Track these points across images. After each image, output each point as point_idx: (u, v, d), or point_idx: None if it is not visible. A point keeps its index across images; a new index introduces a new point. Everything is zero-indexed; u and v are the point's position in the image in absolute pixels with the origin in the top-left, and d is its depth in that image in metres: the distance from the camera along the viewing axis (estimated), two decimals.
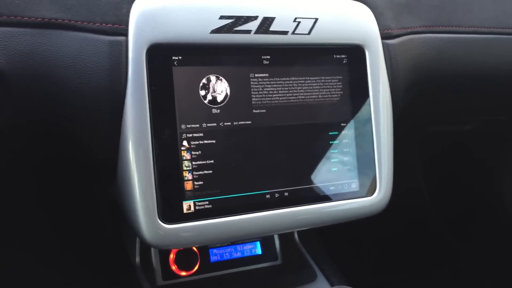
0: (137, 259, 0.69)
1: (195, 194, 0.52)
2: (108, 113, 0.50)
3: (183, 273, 0.71)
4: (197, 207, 0.52)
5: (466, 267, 1.02)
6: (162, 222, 0.50)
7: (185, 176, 0.52)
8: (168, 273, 0.70)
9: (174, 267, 0.71)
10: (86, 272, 0.72)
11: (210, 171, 0.53)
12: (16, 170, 0.61)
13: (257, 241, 0.77)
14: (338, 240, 0.87)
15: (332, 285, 0.70)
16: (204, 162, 0.53)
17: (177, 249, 0.71)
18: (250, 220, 0.54)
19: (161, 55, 0.51)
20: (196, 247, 0.72)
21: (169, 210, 0.51)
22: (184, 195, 0.52)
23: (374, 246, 0.92)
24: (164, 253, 0.71)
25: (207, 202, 0.53)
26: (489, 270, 0.99)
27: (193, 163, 0.52)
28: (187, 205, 0.52)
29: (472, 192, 0.97)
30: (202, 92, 0.53)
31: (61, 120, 0.51)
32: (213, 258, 0.74)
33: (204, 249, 0.73)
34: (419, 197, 1.03)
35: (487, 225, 0.98)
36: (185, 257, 0.71)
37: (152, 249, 0.70)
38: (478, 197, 0.97)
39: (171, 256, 0.71)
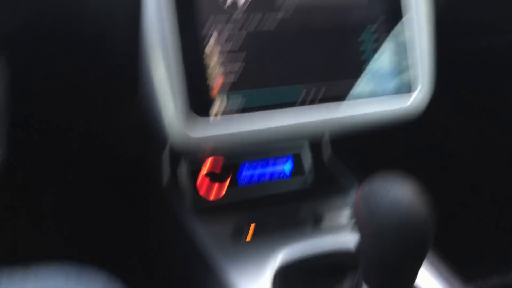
0: (165, 183, 0.67)
1: (227, 88, 0.49)
2: (125, 7, 0.46)
3: (211, 197, 0.68)
4: (230, 101, 0.49)
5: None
6: (196, 115, 0.47)
7: (216, 68, 0.48)
8: (196, 197, 0.67)
9: (202, 191, 0.68)
10: (111, 196, 0.70)
11: (242, 63, 0.50)
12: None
13: (289, 158, 0.73)
14: (374, 158, 0.83)
15: None
16: (236, 54, 0.49)
17: (205, 173, 0.68)
18: (286, 116, 0.51)
19: None
20: (223, 171, 0.69)
21: (202, 104, 0.48)
22: (216, 88, 0.48)
23: (413, 165, 0.88)
24: (191, 177, 0.67)
25: (241, 96, 0.49)
26: None
27: (225, 55, 0.49)
28: (220, 99, 0.49)
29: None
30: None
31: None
32: (241, 181, 0.70)
33: (233, 171, 0.69)
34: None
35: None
36: (213, 179, 0.68)
37: (180, 171, 0.67)
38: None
39: (198, 180, 0.68)
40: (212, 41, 0.48)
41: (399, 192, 0.40)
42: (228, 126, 0.48)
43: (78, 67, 0.55)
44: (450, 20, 0.67)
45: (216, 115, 0.48)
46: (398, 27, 0.56)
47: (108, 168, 0.68)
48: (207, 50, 0.48)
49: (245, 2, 0.49)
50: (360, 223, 0.41)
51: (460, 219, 0.87)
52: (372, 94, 0.55)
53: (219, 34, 0.48)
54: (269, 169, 0.71)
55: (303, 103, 0.52)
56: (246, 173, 0.71)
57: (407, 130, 0.65)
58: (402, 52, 0.57)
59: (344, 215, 0.61)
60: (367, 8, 0.55)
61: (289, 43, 0.52)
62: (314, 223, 0.59)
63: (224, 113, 0.48)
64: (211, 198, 0.68)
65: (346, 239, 0.57)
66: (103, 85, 0.57)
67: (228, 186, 0.69)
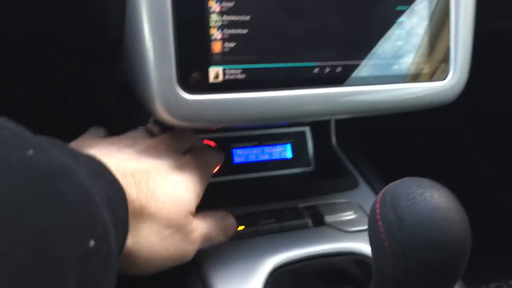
0: None
1: (225, 59, 0.40)
2: None
3: None
4: (227, 76, 0.40)
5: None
6: (182, 90, 0.39)
7: (213, 34, 0.40)
8: None
9: None
10: None
11: (246, 30, 0.41)
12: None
13: (288, 143, 0.66)
14: (379, 145, 0.75)
15: (376, 193, 0.59)
16: (238, 17, 0.40)
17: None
18: (292, 97, 0.43)
19: None
20: (217, 146, 0.61)
21: (191, 77, 0.39)
22: (211, 59, 0.40)
23: (422, 156, 0.81)
24: None
25: (240, 71, 0.41)
26: None
27: (224, 17, 0.40)
28: (215, 72, 0.40)
29: None
30: None
31: None
32: (236, 160, 0.63)
33: (226, 149, 0.62)
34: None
35: None
36: None
37: None
38: None
39: None
40: None
41: (436, 198, 0.33)
42: (221, 107, 0.40)
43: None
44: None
45: (207, 92, 0.40)
46: (438, 2, 0.47)
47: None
48: (204, 8, 0.39)
49: None
50: (383, 231, 0.34)
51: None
52: (398, 79, 0.46)
53: None
54: (266, 154, 0.64)
55: (316, 84, 0.43)
56: (241, 152, 0.63)
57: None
58: (440, 29, 0.48)
59: (347, 214, 0.53)
60: None
61: (304, 6, 0.42)
62: (312, 221, 0.52)
63: (218, 90, 0.40)
64: None
65: (347, 241, 0.50)
66: (80, 41, 0.48)
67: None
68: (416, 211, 0.33)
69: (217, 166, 0.49)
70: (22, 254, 0.20)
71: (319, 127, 0.66)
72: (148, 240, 0.35)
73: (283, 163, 0.65)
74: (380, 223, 0.34)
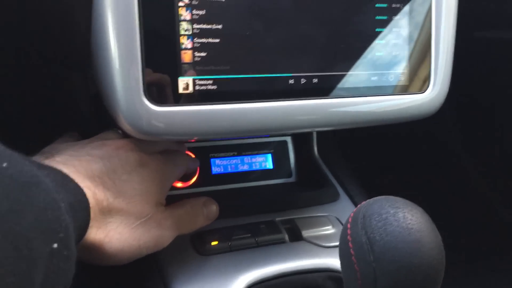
0: None
1: (195, 69, 0.39)
2: None
3: (179, 185, 0.59)
4: (197, 87, 0.39)
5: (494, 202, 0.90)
6: (149, 102, 0.37)
7: (183, 44, 0.38)
8: None
9: None
10: None
11: (217, 40, 0.39)
12: None
13: (269, 153, 0.64)
14: (362, 155, 0.74)
15: (356, 205, 0.58)
16: (209, 26, 0.39)
17: None
18: (265, 110, 0.41)
19: None
20: (195, 155, 0.60)
21: (159, 88, 0.38)
22: (181, 69, 0.38)
23: (403, 163, 0.79)
24: None
25: (211, 82, 0.39)
26: None
27: (195, 26, 0.38)
28: (184, 83, 0.38)
29: None
30: None
31: None
32: (215, 170, 0.61)
33: (205, 158, 0.60)
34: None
35: None
36: None
37: None
38: None
39: None
40: (181, 5, 0.38)
41: (409, 219, 0.32)
42: (191, 119, 0.38)
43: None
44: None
45: (176, 103, 0.38)
46: (416, 10, 0.46)
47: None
48: (174, 16, 0.37)
49: None
50: (353, 253, 0.32)
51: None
52: (377, 90, 0.45)
53: None
54: (246, 164, 0.63)
55: (291, 95, 0.42)
56: (220, 162, 0.62)
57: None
58: (421, 40, 0.46)
59: (325, 228, 0.52)
60: None
61: (279, 15, 0.41)
62: (289, 236, 0.51)
63: (188, 102, 0.38)
64: (178, 185, 0.59)
65: (325, 257, 0.48)
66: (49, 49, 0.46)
67: (199, 172, 0.60)
68: (388, 232, 0.31)
69: (185, 169, 0.49)
70: (3, 251, 0.24)
71: (301, 137, 0.65)
72: (117, 232, 0.38)
73: (264, 173, 0.64)
74: (350, 244, 0.32)
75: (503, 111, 0.76)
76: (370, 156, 0.76)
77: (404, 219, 0.32)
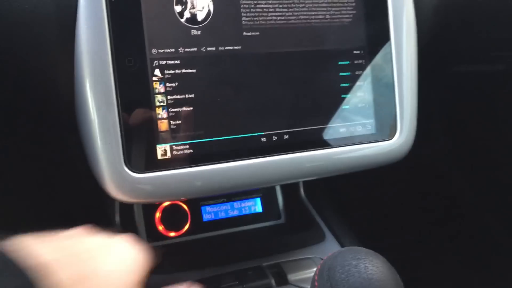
0: (117, 218, 0.60)
1: (171, 136, 0.42)
2: (56, 33, 0.39)
3: (172, 234, 0.62)
4: (174, 152, 0.42)
5: (491, 225, 0.91)
6: (130, 170, 0.41)
7: (159, 114, 0.42)
8: (154, 234, 0.61)
9: (160, 227, 0.61)
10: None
11: (190, 108, 0.43)
12: None
13: (257, 197, 0.67)
14: (348, 196, 0.77)
15: (342, 245, 0.60)
16: (182, 96, 0.42)
17: (163, 206, 0.62)
18: (241, 168, 0.44)
19: None
20: (186, 204, 0.63)
21: (139, 156, 0.41)
22: (158, 138, 0.42)
23: (387, 203, 0.81)
24: (148, 211, 0.61)
25: (187, 146, 0.43)
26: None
27: (169, 97, 0.42)
28: (162, 150, 0.42)
29: (502, 144, 0.86)
30: (178, 8, 0.42)
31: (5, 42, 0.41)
32: (206, 217, 0.64)
33: (196, 206, 0.63)
34: (440, 150, 0.92)
35: None
36: (173, 216, 0.62)
37: (135, 207, 0.61)
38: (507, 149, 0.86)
39: (157, 214, 0.62)
40: (155, 79, 0.41)
41: (370, 269, 0.34)
42: (170, 182, 0.42)
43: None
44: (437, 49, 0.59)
45: (156, 169, 0.41)
46: (378, 63, 0.49)
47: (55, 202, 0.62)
48: (148, 90, 0.41)
49: (195, 33, 0.42)
50: None
51: None
52: (346, 141, 0.48)
53: (163, 72, 0.41)
54: (236, 210, 0.65)
55: (264, 153, 0.45)
56: (210, 209, 0.65)
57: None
58: (385, 90, 0.50)
59: (310, 271, 0.54)
60: (339, 44, 0.48)
61: (247, 80, 0.45)
62: (276, 281, 0.53)
63: (167, 167, 0.42)
64: (171, 234, 0.62)
65: None
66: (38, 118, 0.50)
67: (191, 220, 0.63)
68: (350, 284, 0.34)
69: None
70: None
71: None
72: None
73: (254, 217, 0.66)
74: None
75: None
76: (356, 193, 0.78)
77: (365, 269, 0.34)
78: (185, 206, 0.63)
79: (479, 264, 0.81)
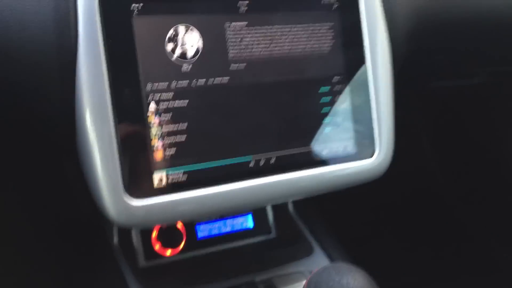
0: (115, 239, 0.63)
1: (167, 164, 0.45)
2: (58, 73, 0.43)
3: (168, 253, 0.65)
4: (170, 179, 0.46)
5: (473, 232, 0.96)
6: (130, 197, 0.44)
7: (154, 144, 0.45)
8: (150, 253, 0.64)
9: (157, 246, 0.64)
10: (60, 254, 0.66)
11: (184, 137, 0.46)
12: None
13: (248, 214, 0.70)
14: (336, 210, 0.80)
15: (330, 258, 0.64)
16: (176, 126, 0.46)
17: (159, 226, 0.65)
18: (232, 191, 0.47)
19: (118, 3, 0.43)
20: (181, 223, 0.66)
21: (137, 184, 0.44)
22: (154, 166, 0.45)
23: (376, 216, 0.85)
24: (145, 231, 0.64)
25: (181, 173, 0.46)
26: (497, 234, 0.93)
27: (163, 128, 0.45)
28: (159, 177, 0.45)
29: (481, 152, 0.90)
30: (170, 46, 0.45)
31: (8, 83, 0.44)
32: (200, 235, 0.67)
33: (190, 225, 0.67)
34: (422, 161, 0.97)
35: (495, 188, 0.92)
36: (169, 235, 0.65)
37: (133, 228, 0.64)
38: (487, 158, 0.90)
39: (154, 234, 0.65)
40: (150, 112, 0.45)
41: (352, 284, 0.38)
42: (166, 208, 0.45)
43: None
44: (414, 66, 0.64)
45: (153, 195, 0.45)
46: (356, 88, 0.53)
47: (54, 226, 0.65)
48: (144, 122, 0.44)
49: (186, 68, 0.46)
50: None
51: None
52: (328, 161, 0.52)
53: (157, 104, 0.45)
54: (229, 226, 0.69)
55: (253, 175, 0.48)
56: (204, 227, 0.68)
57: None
58: (363, 113, 0.53)
59: (300, 284, 0.57)
60: (321, 70, 0.52)
61: (235, 109, 0.48)
62: None
63: (163, 193, 0.45)
64: (167, 253, 0.65)
65: None
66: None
67: (186, 239, 0.66)
68: None
69: None
70: None
71: None
72: None
73: (246, 233, 0.70)
74: None
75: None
76: (345, 205, 0.82)
77: (347, 284, 0.38)
78: (179, 225, 0.66)
79: (465, 276, 0.85)
